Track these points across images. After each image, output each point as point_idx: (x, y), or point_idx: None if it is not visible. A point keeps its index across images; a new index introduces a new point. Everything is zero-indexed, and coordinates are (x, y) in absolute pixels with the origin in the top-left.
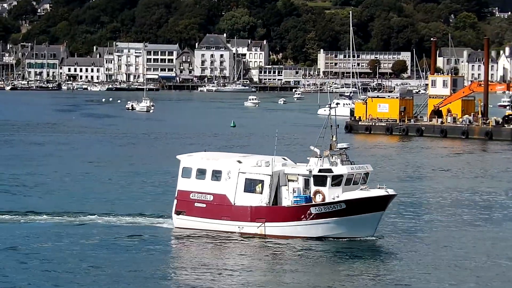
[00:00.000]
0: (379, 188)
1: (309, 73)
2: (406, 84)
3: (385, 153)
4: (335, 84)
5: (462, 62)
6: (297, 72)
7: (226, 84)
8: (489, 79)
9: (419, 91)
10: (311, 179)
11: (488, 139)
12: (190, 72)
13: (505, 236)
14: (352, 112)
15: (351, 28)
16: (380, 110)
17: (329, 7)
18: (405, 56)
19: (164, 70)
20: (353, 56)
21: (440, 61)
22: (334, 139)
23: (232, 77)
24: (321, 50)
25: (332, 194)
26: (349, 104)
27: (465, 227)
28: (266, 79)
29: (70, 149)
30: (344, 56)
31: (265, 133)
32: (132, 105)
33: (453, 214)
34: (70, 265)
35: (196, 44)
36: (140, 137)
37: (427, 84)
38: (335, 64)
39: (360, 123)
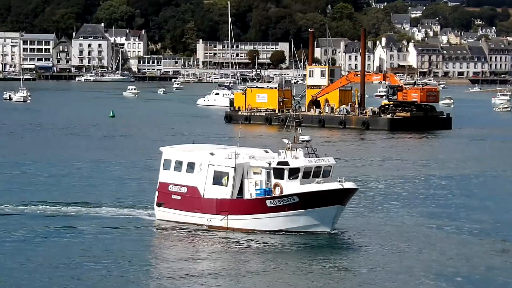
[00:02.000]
0: (338, 181)
1: (188, 63)
2: (285, 74)
3: (265, 143)
4: (215, 74)
5: (339, 52)
6: (176, 62)
7: (105, 74)
8: (366, 69)
9: (297, 81)
10: (271, 172)
11: (365, 128)
12: (67, 61)
13: (398, 221)
14: (231, 102)
15: (229, 18)
16: (259, 101)
17: None
18: (283, 46)
19: (41, 59)
20: (232, 47)
21: (317, 52)
22: (299, 131)
23: (111, 67)
24: (200, 40)
25: (289, 187)
26: (228, 94)
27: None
28: (145, 69)
29: None
30: (223, 47)
31: (145, 123)
32: (9, 95)
33: None
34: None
35: (74, 33)
36: (25, 127)
37: (305, 75)
38: (214, 54)
39: (239, 113)
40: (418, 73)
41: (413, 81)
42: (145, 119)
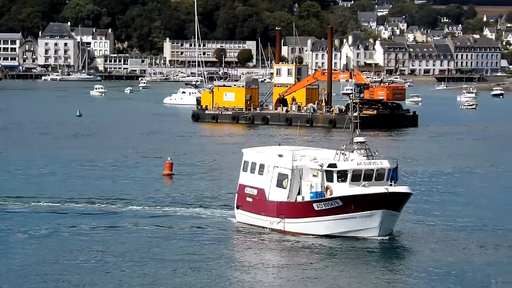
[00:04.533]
0: (390, 185)
1: (155, 62)
2: (252, 73)
3: (233, 141)
4: (182, 73)
5: (306, 51)
6: (143, 61)
7: (71, 73)
8: (333, 67)
9: (265, 79)
10: (324, 174)
11: (331, 126)
12: (33, 61)
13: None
14: (198, 101)
15: (196, 17)
16: (226, 99)
17: None
18: (251, 45)
19: (7, 59)
20: (199, 45)
21: (284, 50)
22: (357, 133)
23: (77, 66)
24: (167, 39)
25: (338, 190)
26: (195, 93)
27: None
28: (111, 68)
29: None
30: (190, 45)
31: (112, 121)
32: None
33: None
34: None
35: (40, 32)
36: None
37: (272, 73)
38: (181, 53)
39: (206, 112)
40: (385, 71)
41: (380, 79)
42: (112, 118)
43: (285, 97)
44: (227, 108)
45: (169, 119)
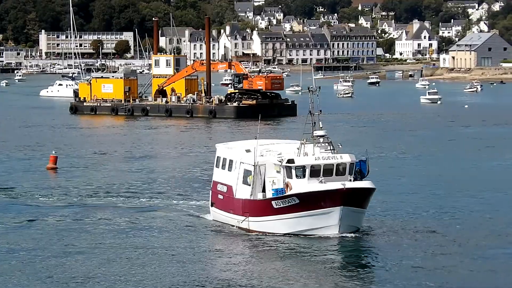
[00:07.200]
0: (349, 180)
1: (31, 54)
2: (130, 64)
3: (113, 132)
4: (58, 65)
5: (184, 41)
6: (18, 54)
7: None
8: (211, 58)
9: (143, 71)
10: (284, 170)
11: (212, 117)
12: None
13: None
14: (76, 93)
15: (71, 8)
16: (104, 91)
17: None
18: (128, 36)
19: None
20: (75, 37)
21: (162, 41)
22: (320, 125)
23: None
24: (43, 31)
25: (297, 186)
26: (72, 85)
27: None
28: None
29: None
30: (66, 37)
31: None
32: None
33: (178, 187)
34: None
35: None
36: None
37: (150, 64)
38: (58, 45)
39: (85, 104)
40: (263, 61)
41: (258, 69)
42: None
43: (164, 88)
44: (106, 100)
45: (46, 112)
